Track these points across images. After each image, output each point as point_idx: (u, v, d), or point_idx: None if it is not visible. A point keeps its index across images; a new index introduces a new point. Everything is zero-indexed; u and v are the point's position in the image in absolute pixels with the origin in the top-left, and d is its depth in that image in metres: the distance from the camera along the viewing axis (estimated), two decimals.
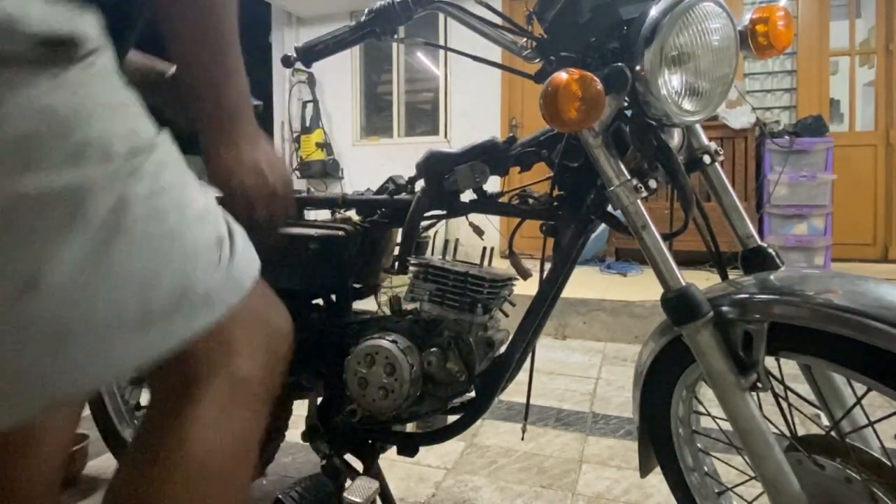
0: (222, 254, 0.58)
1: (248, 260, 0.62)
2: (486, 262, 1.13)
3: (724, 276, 0.87)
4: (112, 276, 0.49)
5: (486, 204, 1.04)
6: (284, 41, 5.76)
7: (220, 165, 0.69)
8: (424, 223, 1.10)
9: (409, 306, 1.10)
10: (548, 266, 0.99)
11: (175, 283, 0.53)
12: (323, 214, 1.20)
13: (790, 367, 0.77)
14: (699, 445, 0.94)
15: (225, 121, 0.69)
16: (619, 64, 0.74)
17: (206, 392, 0.59)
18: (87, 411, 1.52)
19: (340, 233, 1.08)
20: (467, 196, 1.05)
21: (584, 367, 2.51)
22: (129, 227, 0.49)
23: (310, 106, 5.61)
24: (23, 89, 0.45)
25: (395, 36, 0.92)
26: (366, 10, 0.88)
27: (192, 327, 0.54)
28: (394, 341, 1.02)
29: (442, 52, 5.26)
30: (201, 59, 0.67)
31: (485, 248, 1.14)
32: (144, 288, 0.51)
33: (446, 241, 1.17)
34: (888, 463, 0.72)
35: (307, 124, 5.63)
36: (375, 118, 5.80)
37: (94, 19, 0.51)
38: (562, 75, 0.70)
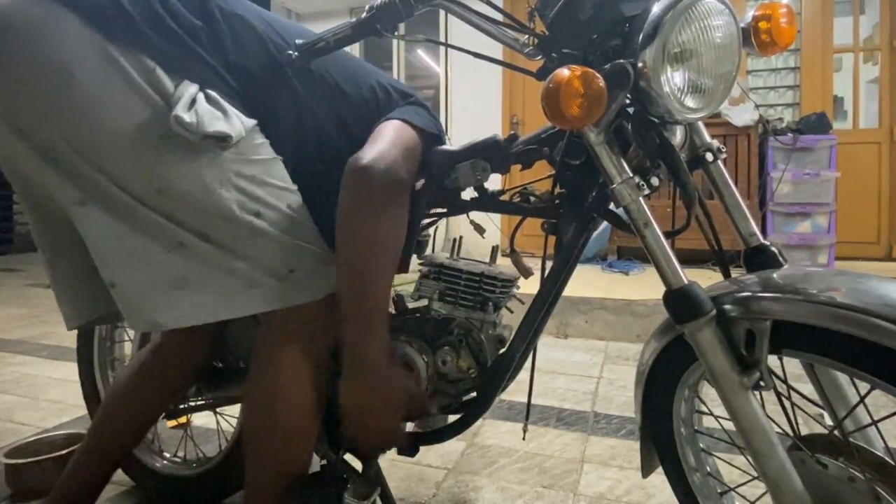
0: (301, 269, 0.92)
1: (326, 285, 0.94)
2: (493, 262, 1.13)
3: (727, 275, 0.86)
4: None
5: (488, 202, 1.04)
6: None
7: (344, 394, 0.93)
8: (425, 221, 1.10)
9: (413, 305, 1.10)
10: (549, 264, 0.98)
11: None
12: None
13: (793, 366, 0.76)
14: (701, 445, 0.94)
15: (352, 365, 0.90)
16: (622, 61, 0.73)
17: (287, 343, 0.94)
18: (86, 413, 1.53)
19: None
20: (468, 194, 1.04)
21: (586, 367, 2.50)
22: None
23: None
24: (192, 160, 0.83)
25: (396, 33, 0.91)
26: (366, 7, 0.87)
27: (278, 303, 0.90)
28: (407, 341, 1.02)
29: (442, 49, 5.25)
30: (344, 314, 0.89)
31: (494, 248, 1.14)
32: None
33: (453, 240, 1.16)
34: (892, 462, 0.72)
35: None
36: None
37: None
38: (563, 72, 0.70)
